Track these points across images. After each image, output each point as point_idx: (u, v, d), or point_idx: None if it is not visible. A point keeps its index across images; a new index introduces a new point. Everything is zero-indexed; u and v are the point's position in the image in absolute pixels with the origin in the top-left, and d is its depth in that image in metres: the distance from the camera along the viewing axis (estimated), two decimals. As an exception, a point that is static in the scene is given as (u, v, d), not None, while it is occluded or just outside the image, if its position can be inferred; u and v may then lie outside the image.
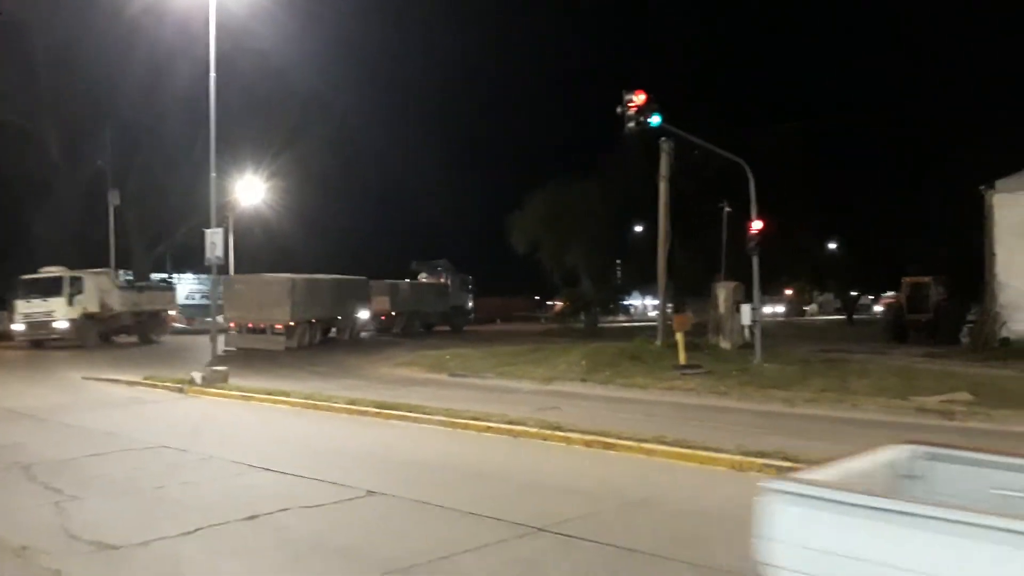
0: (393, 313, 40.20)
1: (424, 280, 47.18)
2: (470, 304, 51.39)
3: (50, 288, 30.45)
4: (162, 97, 39.00)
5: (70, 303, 30.40)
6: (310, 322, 31.99)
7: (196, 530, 6.96)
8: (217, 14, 19.09)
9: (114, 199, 41.31)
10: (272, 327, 30.23)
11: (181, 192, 38.64)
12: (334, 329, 34.68)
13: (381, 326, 39.91)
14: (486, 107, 78.71)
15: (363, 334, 37.32)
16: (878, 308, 63.01)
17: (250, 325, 30.63)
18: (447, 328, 44.66)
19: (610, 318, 53.82)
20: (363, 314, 36.86)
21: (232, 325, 30.81)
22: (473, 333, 42.85)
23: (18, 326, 30.62)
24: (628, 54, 68.16)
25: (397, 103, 71.23)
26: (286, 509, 7.62)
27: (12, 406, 15.15)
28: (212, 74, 19.17)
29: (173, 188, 41.09)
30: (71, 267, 32.72)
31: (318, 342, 32.42)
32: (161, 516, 7.52)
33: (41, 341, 30.48)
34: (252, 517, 7.37)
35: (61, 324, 30.36)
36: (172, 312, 37.58)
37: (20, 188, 41.00)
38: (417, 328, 41.83)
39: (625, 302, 62.55)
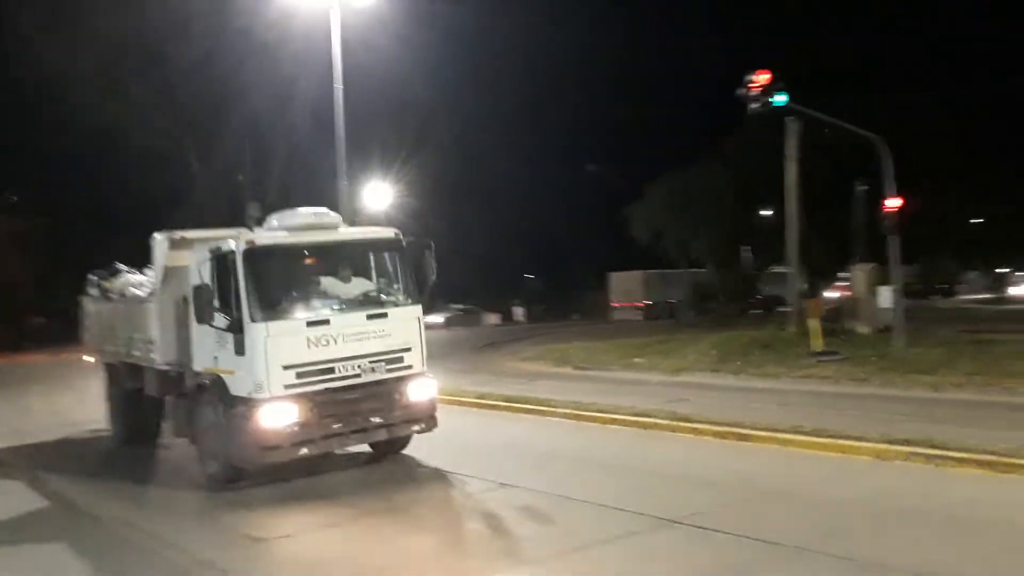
0: (759, 296, 49.87)
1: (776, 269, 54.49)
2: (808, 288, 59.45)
3: (349, 275, 9.89)
4: (293, 108, 40.74)
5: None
6: (667, 302, 44.56)
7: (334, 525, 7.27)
8: (341, 25, 19.76)
9: (253, 211, 43.44)
10: (635, 306, 44.80)
11: (316, 200, 40.24)
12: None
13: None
14: (600, 101, 77.12)
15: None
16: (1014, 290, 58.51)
17: (625, 304, 45.50)
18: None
19: (738, 305, 53.50)
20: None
21: (614, 304, 46.59)
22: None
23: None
24: (743, 29, 65.94)
25: (510, 105, 71.28)
26: (420, 502, 7.85)
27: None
28: (338, 85, 19.87)
29: (309, 196, 42.86)
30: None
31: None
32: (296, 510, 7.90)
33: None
34: (389, 511, 7.64)
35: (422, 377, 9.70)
36: None
37: (162, 203, 43.75)
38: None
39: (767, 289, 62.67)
